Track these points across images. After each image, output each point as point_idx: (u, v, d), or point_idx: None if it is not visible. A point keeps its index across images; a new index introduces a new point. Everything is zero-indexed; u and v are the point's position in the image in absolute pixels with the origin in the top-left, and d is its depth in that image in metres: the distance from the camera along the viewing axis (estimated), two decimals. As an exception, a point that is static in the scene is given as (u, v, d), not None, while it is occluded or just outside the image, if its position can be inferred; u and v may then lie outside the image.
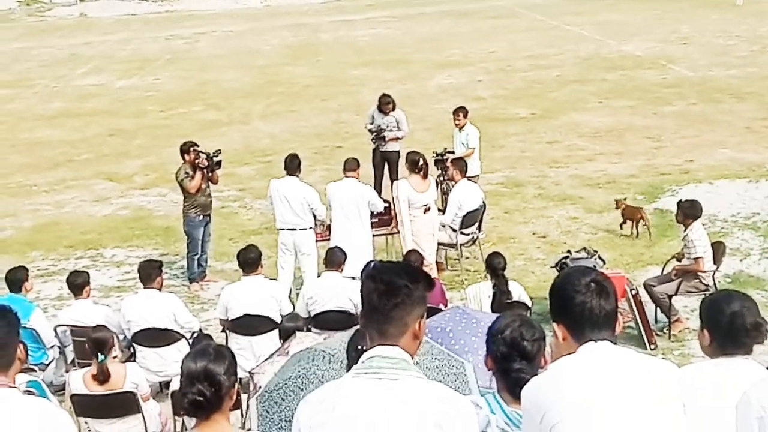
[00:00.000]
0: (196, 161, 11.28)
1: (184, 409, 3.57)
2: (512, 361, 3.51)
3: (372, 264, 3.36)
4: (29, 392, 6.45)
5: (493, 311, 8.33)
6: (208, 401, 3.44)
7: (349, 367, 3.83)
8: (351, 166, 10.80)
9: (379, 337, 3.10)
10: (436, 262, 11.11)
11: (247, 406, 5.98)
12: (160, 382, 8.37)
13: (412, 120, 16.21)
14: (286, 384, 4.99)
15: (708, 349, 3.91)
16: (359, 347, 3.64)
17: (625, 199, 13.21)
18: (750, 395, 3.38)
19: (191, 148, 11.40)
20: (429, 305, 8.15)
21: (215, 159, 11.49)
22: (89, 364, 7.37)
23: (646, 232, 12.45)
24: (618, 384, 3.09)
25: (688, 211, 9.48)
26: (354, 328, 8.02)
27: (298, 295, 9.87)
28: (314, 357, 5.09)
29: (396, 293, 3.08)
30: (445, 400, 3.05)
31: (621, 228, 12.78)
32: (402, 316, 3.10)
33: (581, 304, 3.17)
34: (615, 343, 3.23)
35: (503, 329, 3.55)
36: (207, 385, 3.43)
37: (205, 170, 11.35)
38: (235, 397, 3.60)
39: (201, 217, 11.53)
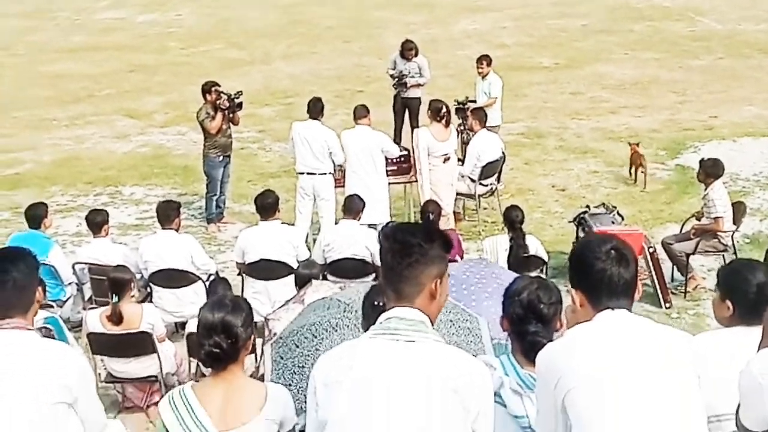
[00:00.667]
0: (218, 102, 11.25)
1: (201, 360, 3.60)
2: (528, 323, 3.51)
3: (389, 224, 3.37)
4: (47, 329, 6.58)
5: (509, 265, 8.35)
6: (225, 353, 3.47)
7: (364, 322, 3.84)
8: (361, 113, 10.73)
9: (396, 298, 3.09)
10: (454, 212, 11.09)
11: (262, 351, 6.02)
12: (175, 323, 8.44)
13: (435, 66, 16.10)
14: (300, 331, 5.00)
15: (727, 320, 3.87)
16: (375, 303, 3.65)
17: (638, 144, 13.25)
18: (752, 365, 3.36)
19: (213, 88, 11.35)
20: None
21: (236, 100, 11.45)
22: (106, 302, 7.44)
23: (645, 179, 12.78)
24: (633, 354, 3.08)
25: (710, 170, 9.40)
26: (370, 278, 8.15)
27: (314, 240, 9.93)
28: (330, 306, 5.10)
29: (410, 252, 3.06)
30: (462, 366, 3.05)
31: (629, 173, 13.01)
32: (416, 275, 3.07)
33: (601, 271, 3.15)
34: (631, 312, 3.22)
35: (520, 291, 3.55)
36: (224, 337, 3.45)
37: (226, 111, 11.32)
38: (251, 347, 3.62)
39: (221, 158, 11.53)
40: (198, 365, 7.05)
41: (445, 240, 3.17)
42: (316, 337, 4.82)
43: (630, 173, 13.06)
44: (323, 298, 5.34)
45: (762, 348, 3.35)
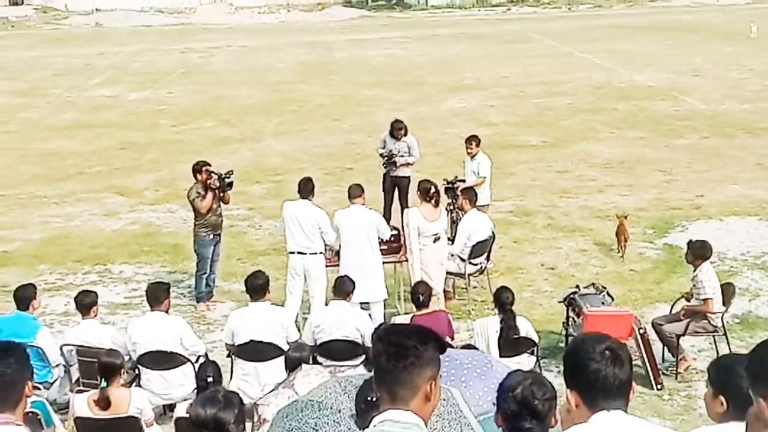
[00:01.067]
0: (208, 182, 11.29)
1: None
2: (523, 419, 3.48)
3: (382, 325, 3.35)
4: (33, 413, 6.49)
5: (500, 347, 8.33)
6: None
7: (359, 420, 3.78)
8: (356, 192, 10.77)
9: (390, 400, 3.08)
10: (444, 290, 11.07)
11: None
12: (164, 405, 8.35)
13: (424, 144, 16.22)
14: None
15: (720, 416, 3.80)
16: (369, 398, 3.61)
17: (625, 217, 13.38)
18: None
19: (204, 168, 11.41)
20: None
21: (227, 180, 11.50)
22: (94, 384, 7.38)
23: (624, 250, 13.01)
24: None
25: (698, 252, 9.45)
26: (360, 360, 8.09)
27: (305, 319, 9.88)
28: (303, 408, 4.99)
29: (405, 355, 3.06)
30: None
31: (618, 246, 13.17)
32: (412, 378, 3.07)
33: (595, 372, 3.15)
34: (627, 412, 3.18)
35: (515, 387, 3.52)
36: None
37: (216, 191, 11.36)
38: None
39: (211, 237, 11.53)
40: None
41: (439, 341, 3.16)
42: None
43: (618, 247, 13.16)
44: (292, 401, 5.20)
45: None
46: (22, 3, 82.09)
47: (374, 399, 3.19)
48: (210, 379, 6.95)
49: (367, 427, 3.11)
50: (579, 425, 3.15)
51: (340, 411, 4.08)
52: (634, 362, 9.11)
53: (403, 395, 3.06)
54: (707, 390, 3.90)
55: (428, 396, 3.10)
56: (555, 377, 9.19)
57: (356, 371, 6.38)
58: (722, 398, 3.79)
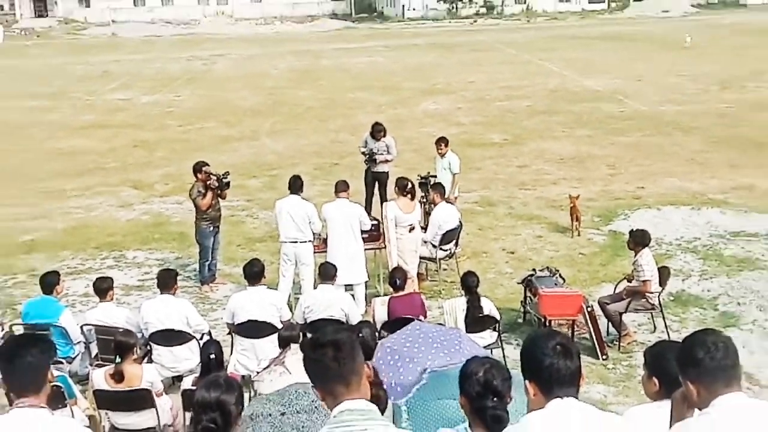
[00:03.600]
0: (208, 182, 11.24)
1: (197, 434, 3.53)
2: (486, 399, 3.49)
3: (312, 338, 3.37)
4: (57, 386, 6.45)
5: (466, 324, 8.34)
6: (219, 428, 3.42)
7: None
8: (342, 187, 10.72)
9: (345, 392, 3.09)
10: (418, 273, 11.05)
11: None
12: (172, 377, 8.32)
13: (401, 142, 16.19)
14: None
15: (655, 395, 3.82)
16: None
17: (577, 197, 13.45)
18: None
19: (203, 168, 11.35)
20: (408, 315, 8.20)
21: (225, 180, 11.45)
22: (111, 359, 7.33)
23: (578, 228, 13.29)
24: None
25: (638, 240, 9.50)
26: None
27: (296, 299, 9.87)
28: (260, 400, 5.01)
29: (345, 347, 3.12)
30: None
31: (571, 225, 13.37)
32: (358, 366, 3.14)
33: (549, 366, 3.16)
34: (578, 398, 3.20)
35: (477, 371, 3.53)
36: (219, 414, 3.41)
37: (215, 190, 11.32)
38: (240, 420, 3.57)
39: (211, 228, 11.48)
40: (192, 418, 6.92)
41: (354, 329, 3.23)
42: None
43: (572, 225, 13.33)
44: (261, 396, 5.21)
45: (674, 423, 3.35)
46: (47, 15, 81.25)
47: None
48: (212, 356, 6.92)
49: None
50: (537, 411, 3.16)
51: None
52: (582, 336, 9.31)
53: (356, 384, 3.11)
54: (644, 372, 3.93)
55: (368, 376, 3.23)
56: (514, 349, 9.24)
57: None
58: (655, 380, 3.81)
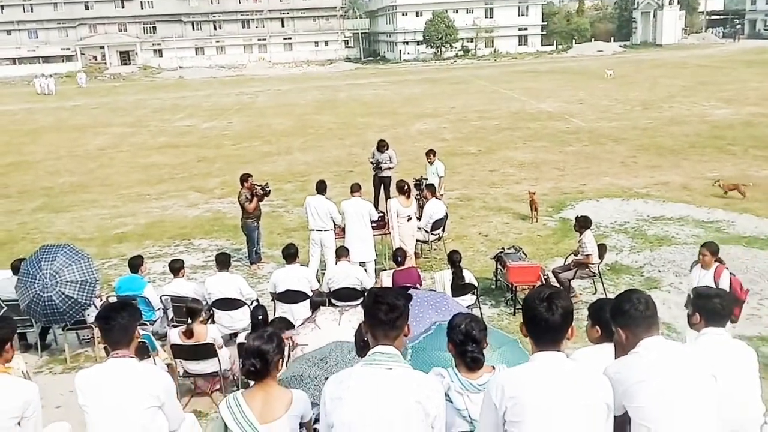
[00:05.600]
0: (254, 191, 11.21)
1: (244, 374, 3.50)
2: (467, 345, 3.44)
3: (375, 291, 3.30)
4: (142, 342, 6.43)
5: (452, 289, 8.30)
6: (258, 371, 3.38)
7: (357, 351, 3.75)
8: (356, 188, 10.69)
9: (384, 338, 3.07)
10: (415, 253, 11.01)
11: (289, 356, 5.90)
12: (230, 334, 8.29)
13: (400, 154, 16.14)
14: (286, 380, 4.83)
15: (597, 339, 3.77)
16: (363, 339, 3.56)
17: (534, 192, 13.37)
18: (608, 369, 3.22)
19: (248, 178, 11.35)
20: (407, 284, 8.14)
21: (267, 189, 11.44)
22: (182, 322, 7.29)
23: (537, 216, 13.27)
24: (561, 389, 2.92)
25: (582, 223, 9.44)
26: (360, 301, 8.04)
27: (323, 274, 9.83)
28: (305, 362, 4.92)
29: (398, 310, 3.06)
30: (423, 384, 3.02)
31: (531, 214, 13.31)
32: (401, 324, 3.08)
33: (533, 317, 3.00)
34: (561, 351, 3.02)
35: (460, 323, 3.48)
36: (258, 360, 3.37)
37: (259, 197, 11.29)
38: (281, 366, 3.53)
39: (255, 224, 11.43)
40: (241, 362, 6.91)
41: (409, 298, 3.16)
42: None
43: (531, 214, 13.28)
44: (301, 357, 5.05)
45: (617, 357, 3.32)
46: (130, 63, 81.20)
47: (366, 339, 3.16)
48: (260, 317, 6.91)
49: (364, 356, 3.10)
50: (523, 365, 3.04)
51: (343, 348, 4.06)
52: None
53: (393, 336, 3.07)
54: (588, 322, 3.89)
55: (406, 334, 3.13)
56: (488, 308, 9.23)
57: (357, 309, 6.29)
58: (597, 327, 3.77)
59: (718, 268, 6.96)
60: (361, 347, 3.59)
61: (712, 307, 3.87)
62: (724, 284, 6.84)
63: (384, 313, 3.05)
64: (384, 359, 3.00)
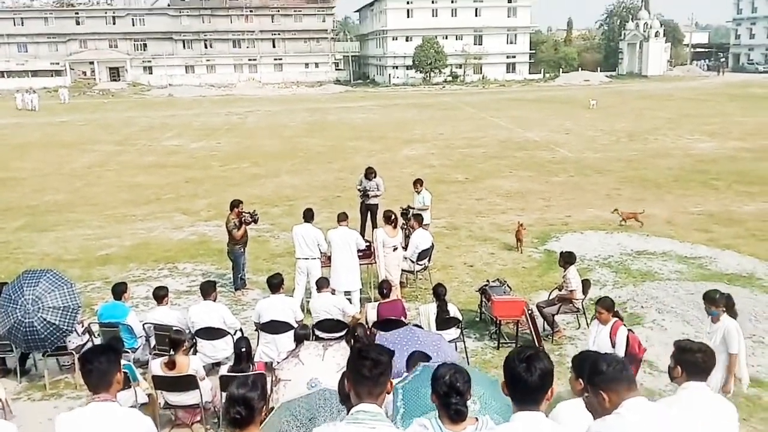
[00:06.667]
0: (242, 218, 11.18)
1: (227, 422, 3.46)
2: (451, 397, 3.42)
3: (359, 346, 3.29)
4: (124, 373, 6.35)
5: (437, 323, 8.28)
6: (244, 419, 3.34)
7: (341, 400, 3.72)
8: (342, 218, 10.68)
9: (367, 396, 3.06)
10: (400, 282, 11.00)
11: (271, 390, 5.86)
12: (212, 363, 8.22)
13: (386, 179, 16.14)
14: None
15: (579, 392, 3.76)
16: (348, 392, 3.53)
17: (521, 224, 13.42)
18: (590, 428, 3.25)
19: (239, 204, 11.32)
20: (392, 317, 8.12)
21: (255, 217, 11.42)
22: (165, 350, 7.22)
23: (521, 247, 13.36)
24: None
25: (567, 258, 9.49)
26: (343, 332, 7.99)
27: (308, 301, 9.78)
28: (302, 401, 4.81)
29: (381, 365, 3.07)
30: None
31: (516, 244, 13.43)
32: (384, 381, 3.08)
33: (514, 377, 3.02)
34: (540, 410, 3.03)
35: (444, 375, 3.45)
36: (244, 408, 3.33)
37: (247, 224, 11.27)
38: (263, 413, 3.49)
39: (242, 250, 11.38)
40: (223, 408, 6.83)
41: (392, 354, 3.15)
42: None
43: (517, 244, 13.37)
44: (282, 405, 4.93)
45: (596, 418, 3.31)
46: (119, 80, 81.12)
47: (348, 393, 3.13)
48: (243, 349, 6.89)
49: (350, 408, 3.08)
50: (504, 425, 3.04)
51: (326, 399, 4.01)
52: (524, 332, 9.22)
53: (377, 393, 3.07)
54: (571, 375, 3.87)
55: (389, 391, 3.11)
56: (472, 342, 9.22)
57: (341, 345, 6.25)
58: (580, 380, 3.76)
59: (615, 324, 7.00)
60: (344, 399, 3.56)
61: (694, 361, 3.90)
62: (621, 340, 6.88)
63: (368, 369, 3.04)
64: (367, 418, 2.99)
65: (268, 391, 6.04)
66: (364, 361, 3.07)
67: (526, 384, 2.95)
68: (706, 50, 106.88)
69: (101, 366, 3.51)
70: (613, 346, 6.79)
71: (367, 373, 3.04)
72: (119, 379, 3.58)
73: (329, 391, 4.43)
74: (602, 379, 3.20)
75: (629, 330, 7.17)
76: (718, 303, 6.72)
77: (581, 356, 3.76)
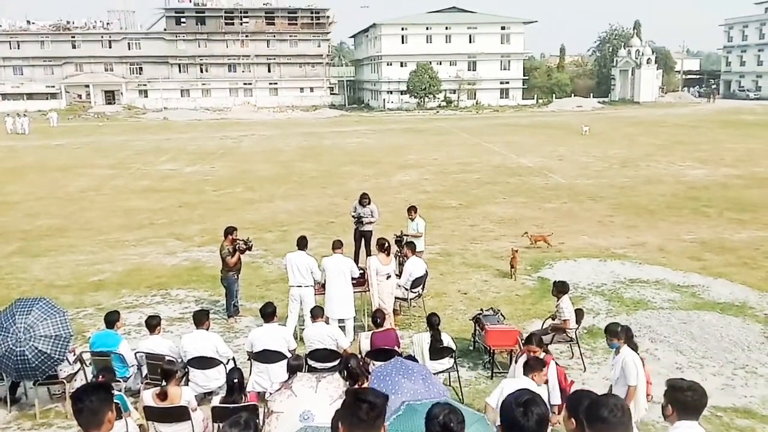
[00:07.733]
0: (236, 246, 11.18)
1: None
2: (444, 437, 3.41)
3: (356, 390, 3.28)
4: (116, 404, 6.30)
5: (430, 353, 8.27)
6: None
7: None
8: (337, 245, 10.70)
9: None
10: (393, 310, 10.99)
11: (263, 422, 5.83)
12: (204, 393, 8.17)
13: (381, 205, 16.21)
14: None
15: (572, 431, 3.78)
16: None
17: (516, 251, 13.45)
18: None
19: (233, 231, 11.32)
20: (386, 347, 8.11)
21: (249, 244, 11.41)
22: (157, 379, 7.16)
23: (515, 273, 13.41)
24: None
25: (560, 288, 9.50)
26: (336, 362, 7.96)
27: (302, 329, 9.76)
28: None
29: (378, 410, 3.07)
30: None
31: (510, 270, 13.48)
32: (380, 425, 3.07)
33: (512, 422, 3.02)
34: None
35: (438, 415, 3.43)
36: None
37: (241, 252, 11.27)
38: None
39: (235, 277, 11.36)
40: (219, 428, 6.80)
41: (386, 398, 3.16)
42: None
43: (511, 271, 13.43)
44: None
45: None
46: (114, 103, 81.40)
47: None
48: (235, 380, 6.85)
49: None
50: None
51: None
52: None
53: None
54: (564, 413, 3.86)
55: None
56: (466, 371, 9.19)
57: (334, 377, 6.22)
58: (573, 420, 3.76)
59: (546, 358, 7.08)
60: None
61: (684, 400, 3.91)
62: (551, 374, 6.97)
63: (365, 413, 3.03)
64: None
65: (260, 423, 6.02)
66: (362, 404, 3.06)
67: (523, 429, 2.95)
68: (698, 77, 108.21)
69: (92, 405, 3.48)
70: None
71: (363, 417, 3.03)
72: (111, 418, 3.54)
73: (322, 428, 4.41)
74: (605, 427, 3.18)
75: (557, 364, 7.30)
76: (619, 336, 6.81)
77: (577, 396, 3.75)
